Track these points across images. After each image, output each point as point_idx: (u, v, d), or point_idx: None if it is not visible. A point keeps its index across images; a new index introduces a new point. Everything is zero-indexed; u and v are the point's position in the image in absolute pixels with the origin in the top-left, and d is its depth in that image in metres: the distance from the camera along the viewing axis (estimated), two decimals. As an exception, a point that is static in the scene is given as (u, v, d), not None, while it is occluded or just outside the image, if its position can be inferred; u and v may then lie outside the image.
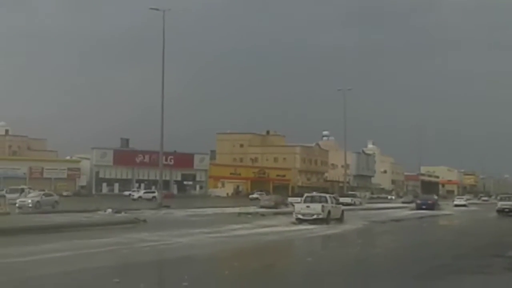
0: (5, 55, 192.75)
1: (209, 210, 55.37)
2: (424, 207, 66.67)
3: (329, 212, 38.54)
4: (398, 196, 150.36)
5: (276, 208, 60.57)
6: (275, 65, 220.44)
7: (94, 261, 18.49)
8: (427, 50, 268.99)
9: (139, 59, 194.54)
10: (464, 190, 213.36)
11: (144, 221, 36.35)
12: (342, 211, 41.94)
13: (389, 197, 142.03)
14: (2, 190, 67.28)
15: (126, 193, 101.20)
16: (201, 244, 24.76)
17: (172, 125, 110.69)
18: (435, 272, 16.47)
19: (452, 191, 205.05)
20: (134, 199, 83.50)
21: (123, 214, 44.51)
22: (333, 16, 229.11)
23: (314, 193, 47.01)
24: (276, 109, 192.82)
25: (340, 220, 39.85)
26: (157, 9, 61.42)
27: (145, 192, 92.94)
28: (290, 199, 73.68)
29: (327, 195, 42.72)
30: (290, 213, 42.51)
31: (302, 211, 38.45)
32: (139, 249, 22.29)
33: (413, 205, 73.57)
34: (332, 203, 40.22)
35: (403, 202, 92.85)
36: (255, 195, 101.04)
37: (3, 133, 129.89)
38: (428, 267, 17.62)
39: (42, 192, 56.36)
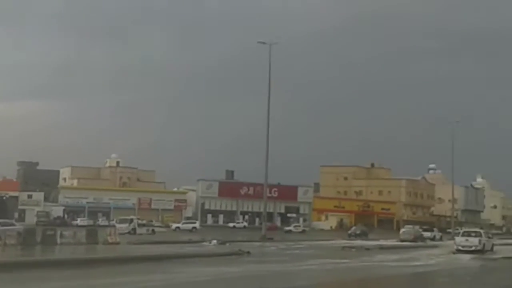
0: (115, 91, 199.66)
1: (313, 243, 55.18)
2: None
3: (484, 244, 45.20)
4: (510, 232, 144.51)
5: (415, 241, 60.55)
6: (380, 98, 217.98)
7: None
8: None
9: (242, 90, 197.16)
10: None
11: (248, 252, 36.66)
12: (492, 244, 48.50)
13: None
14: (112, 220, 69.77)
15: (231, 224, 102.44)
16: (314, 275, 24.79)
17: (276, 156, 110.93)
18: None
19: None
20: (173, 230, 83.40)
21: (227, 245, 45.03)
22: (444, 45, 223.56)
23: (472, 229, 54.55)
24: (380, 139, 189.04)
25: (491, 251, 45.95)
26: (264, 43, 62.44)
27: (183, 223, 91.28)
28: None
29: (481, 231, 50.38)
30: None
31: (461, 243, 44.92)
32: (242, 278, 22.53)
33: None
34: (485, 237, 47.19)
35: None
36: None
37: (115, 164, 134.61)
38: None
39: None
